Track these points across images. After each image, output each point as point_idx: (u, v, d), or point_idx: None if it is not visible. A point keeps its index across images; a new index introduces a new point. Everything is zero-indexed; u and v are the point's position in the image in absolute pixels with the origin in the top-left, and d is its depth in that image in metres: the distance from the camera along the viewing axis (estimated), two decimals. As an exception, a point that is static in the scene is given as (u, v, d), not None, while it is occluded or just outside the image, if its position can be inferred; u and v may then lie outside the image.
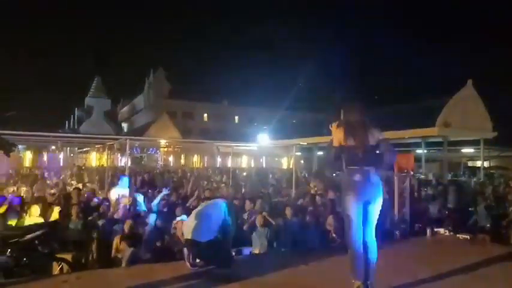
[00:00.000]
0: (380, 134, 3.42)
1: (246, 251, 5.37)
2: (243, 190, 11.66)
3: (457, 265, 4.47)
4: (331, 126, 3.43)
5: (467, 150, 25.19)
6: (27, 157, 28.42)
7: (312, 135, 23.49)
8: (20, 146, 25.25)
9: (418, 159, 19.06)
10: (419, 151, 21.50)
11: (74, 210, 6.40)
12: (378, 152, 3.37)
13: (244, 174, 21.15)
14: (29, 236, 4.70)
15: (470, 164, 30.34)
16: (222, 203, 4.76)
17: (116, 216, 6.46)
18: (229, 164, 22.29)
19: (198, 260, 4.17)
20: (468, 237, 6.24)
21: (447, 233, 6.65)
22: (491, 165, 27.14)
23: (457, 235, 6.42)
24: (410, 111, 19.36)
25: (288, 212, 6.63)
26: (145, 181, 13.63)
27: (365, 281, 3.25)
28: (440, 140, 19.07)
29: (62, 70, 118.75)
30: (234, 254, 4.79)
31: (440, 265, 4.43)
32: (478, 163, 24.64)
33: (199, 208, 4.76)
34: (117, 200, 6.84)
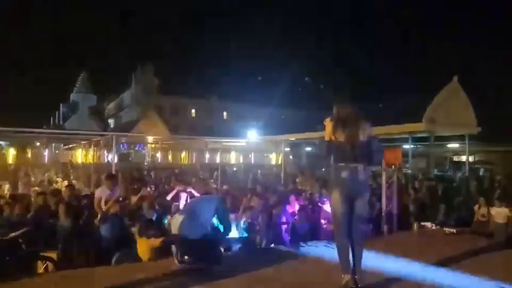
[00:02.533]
0: (370, 129, 3.44)
1: (236, 247, 5.35)
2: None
3: (444, 258, 4.55)
4: (325, 122, 3.44)
5: (453, 145, 25.64)
6: (11, 154, 27.80)
7: (301, 131, 23.57)
8: (3, 143, 24.69)
9: (405, 154, 19.30)
10: (406, 146, 21.77)
11: (61, 209, 6.24)
12: (367, 148, 3.38)
13: (235, 169, 21.14)
14: (12, 234, 4.59)
15: (455, 158, 30.90)
16: (213, 199, 4.71)
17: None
18: (218, 160, 22.18)
19: (186, 257, 4.12)
20: (454, 230, 6.35)
21: (433, 227, 6.75)
22: (475, 159, 27.70)
23: (444, 229, 6.53)
24: (397, 106, 19.56)
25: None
26: (135, 178, 13.50)
27: (353, 274, 3.28)
28: (426, 135, 19.36)
29: (46, 64, 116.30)
30: (223, 250, 4.75)
31: (427, 258, 4.49)
32: (463, 158, 25.10)
33: (188, 203, 4.71)
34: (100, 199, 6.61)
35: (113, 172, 8.89)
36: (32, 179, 12.81)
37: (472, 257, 4.74)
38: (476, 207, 7.95)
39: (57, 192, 7.95)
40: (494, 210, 6.60)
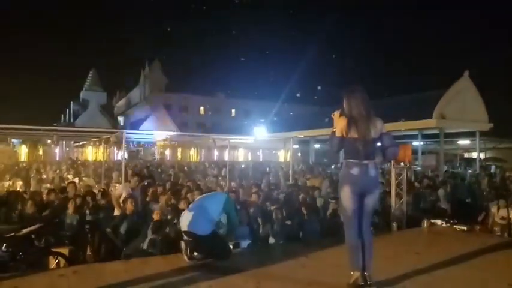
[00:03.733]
0: (382, 125, 3.39)
1: (244, 243, 5.36)
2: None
3: (454, 256, 4.49)
4: (333, 115, 3.38)
5: (463, 142, 25.27)
6: (23, 151, 28.23)
7: (309, 128, 23.50)
8: (15, 140, 25.09)
9: (414, 151, 19.10)
10: (415, 143, 21.54)
11: (70, 205, 6.35)
12: (379, 144, 3.34)
13: (243, 166, 21.17)
14: (25, 231, 4.66)
15: (466, 155, 30.48)
16: (220, 196, 4.73)
17: (116, 212, 6.35)
18: (226, 157, 22.22)
19: (195, 253, 4.15)
20: (465, 228, 6.26)
21: (444, 225, 6.67)
22: (486, 156, 27.26)
23: (454, 226, 6.44)
24: (407, 102, 19.35)
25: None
26: (145, 176, 13.60)
27: (363, 271, 3.26)
28: (436, 131, 19.13)
29: (57, 62, 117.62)
30: (232, 246, 4.77)
31: (437, 256, 4.45)
32: (474, 155, 24.74)
33: (196, 200, 4.73)
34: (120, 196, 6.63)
35: (123, 169, 8.99)
36: (44, 176, 13.01)
37: (483, 255, 4.67)
38: (494, 208, 7.50)
39: (64, 189, 8.09)
40: None
